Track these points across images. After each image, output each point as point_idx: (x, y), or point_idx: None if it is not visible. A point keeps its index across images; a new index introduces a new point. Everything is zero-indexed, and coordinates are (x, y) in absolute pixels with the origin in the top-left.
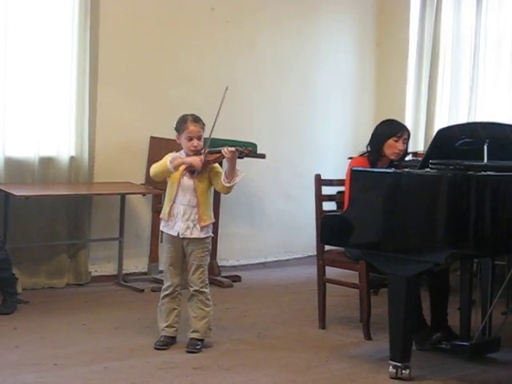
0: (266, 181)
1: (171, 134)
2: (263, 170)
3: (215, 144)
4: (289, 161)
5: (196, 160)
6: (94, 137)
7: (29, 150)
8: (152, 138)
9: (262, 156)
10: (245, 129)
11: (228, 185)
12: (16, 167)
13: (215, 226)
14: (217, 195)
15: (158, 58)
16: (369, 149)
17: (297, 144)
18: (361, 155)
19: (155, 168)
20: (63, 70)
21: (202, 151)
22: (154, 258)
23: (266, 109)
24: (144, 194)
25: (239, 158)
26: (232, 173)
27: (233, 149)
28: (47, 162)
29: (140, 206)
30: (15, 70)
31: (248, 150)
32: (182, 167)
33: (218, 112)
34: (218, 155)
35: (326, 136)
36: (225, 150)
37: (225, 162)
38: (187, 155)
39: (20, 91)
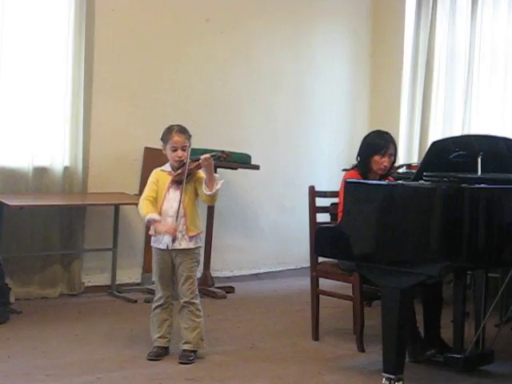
0: (259, 192)
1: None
2: (257, 181)
3: (197, 153)
4: (283, 172)
5: (170, 229)
6: (88, 147)
7: (23, 159)
8: (146, 148)
9: (256, 167)
10: (239, 139)
11: (209, 193)
12: (10, 177)
13: (208, 236)
14: (211, 207)
15: (153, 68)
16: (358, 161)
17: (291, 155)
18: (352, 168)
19: (139, 210)
20: (58, 80)
21: (185, 161)
22: (147, 268)
23: (260, 119)
24: (138, 205)
25: (222, 162)
26: (211, 181)
27: (207, 155)
28: (41, 172)
29: (134, 216)
30: (9, 79)
31: (226, 154)
32: (169, 180)
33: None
34: (198, 163)
35: (321, 147)
36: (202, 158)
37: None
38: (172, 166)
39: (14, 101)
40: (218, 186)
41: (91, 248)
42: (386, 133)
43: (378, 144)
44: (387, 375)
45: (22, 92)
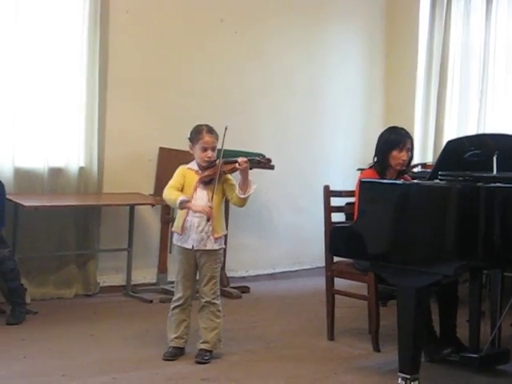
0: (274, 192)
1: (180, 145)
2: (272, 181)
3: (227, 155)
4: (297, 172)
5: (205, 208)
6: (103, 147)
7: (38, 160)
8: (161, 148)
9: (271, 167)
10: (252, 140)
11: (243, 196)
12: (25, 178)
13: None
14: (226, 206)
15: (167, 68)
16: (375, 160)
17: (305, 155)
18: (370, 167)
19: (167, 197)
20: (73, 81)
21: (217, 162)
22: (162, 268)
23: (273, 120)
24: (153, 205)
25: (255, 167)
26: (246, 184)
27: (245, 159)
28: (56, 173)
29: (149, 216)
30: (24, 80)
31: (265, 160)
32: (196, 179)
33: (222, 146)
34: (233, 166)
35: (335, 147)
36: (239, 161)
37: (237, 173)
38: (199, 165)
39: (29, 101)
40: (252, 190)
41: (106, 248)
42: (402, 128)
43: (394, 139)
44: (403, 375)
45: (37, 93)
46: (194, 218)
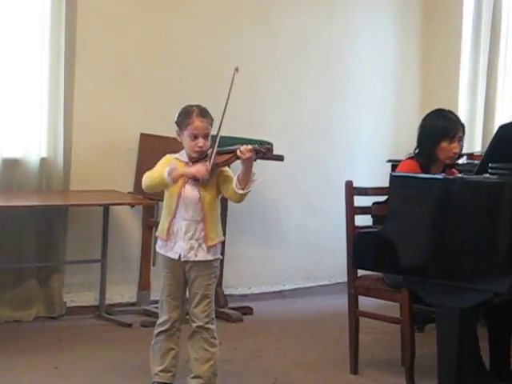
0: (283, 188)
1: (166, 131)
2: (280, 174)
3: (223, 143)
4: (312, 164)
5: (201, 170)
6: (70, 134)
7: None
8: (143, 135)
9: (280, 158)
10: (257, 123)
11: (241, 192)
12: None
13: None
14: (223, 206)
15: (150, 35)
16: (417, 151)
17: (322, 143)
18: (410, 158)
19: (149, 179)
20: (32, 51)
21: (209, 152)
22: (144, 284)
23: (283, 98)
24: (132, 206)
25: (256, 158)
26: (247, 177)
27: (250, 147)
28: (12, 165)
29: (127, 219)
30: None
31: (266, 149)
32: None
33: (227, 102)
34: (230, 156)
35: (359, 133)
36: (241, 150)
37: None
38: (189, 157)
39: None
40: (253, 185)
41: (74, 260)
42: (450, 111)
43: (444, 127)
44: None
45: None
46: (181, 221)
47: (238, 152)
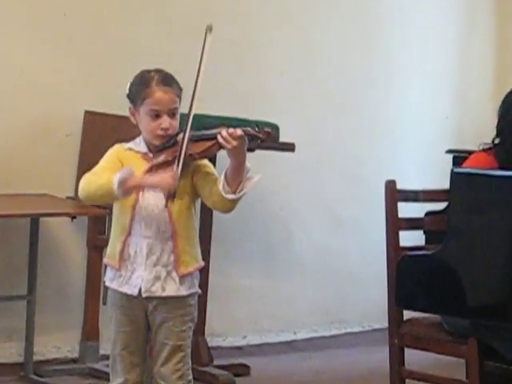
0: (294, 192)
1: (119, 108)
2: (291, 172)
3: (204, 124)
4: (335, 157)
5: (164, 179)
6: None
7: None
8: (88, 113)
9: (290, 147)
10: (259, 102)
11: (232, 197)
12: None
13: (203, 273)
14: (205, 217)
15: None
16: (497, 141)
17: (349, 128)
18: (484, 149)
19: (92, 186)
20: None
21: (179, 138)
22: (90, 332)
23: (294, 68)
24: (73, 217)
25: (250, 149)
26: (238, 174)
27: (239, 131)
28: None
29: (66, 237)
30: None
31: (264, 133)
32: (144, 169)
33: (199, 69)
34: (210, 144)
35: (404, 116)
36: (223, 135)
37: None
38: (149, 145)
39: None
40: (249, 188)
41: None
42: None
43: None
44: None
45: None
46: (141, 239)
47: (219, 138)
